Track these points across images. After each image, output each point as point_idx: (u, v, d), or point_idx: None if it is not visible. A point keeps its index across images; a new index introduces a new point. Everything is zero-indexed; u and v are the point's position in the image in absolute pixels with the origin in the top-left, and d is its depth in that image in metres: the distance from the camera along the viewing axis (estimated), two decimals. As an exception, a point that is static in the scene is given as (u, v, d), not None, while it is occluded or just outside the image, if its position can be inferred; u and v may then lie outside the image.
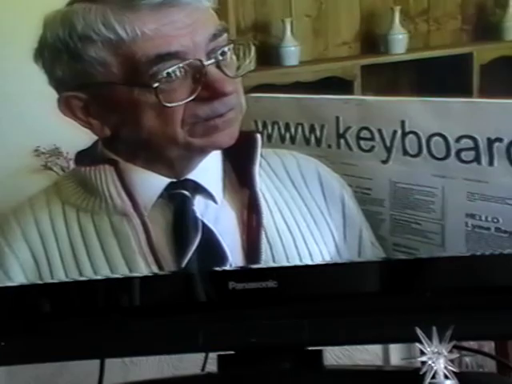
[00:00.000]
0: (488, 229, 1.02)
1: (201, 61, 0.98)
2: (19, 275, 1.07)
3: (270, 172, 1.08)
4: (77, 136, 1.06)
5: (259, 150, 1.07)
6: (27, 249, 1.06)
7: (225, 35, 1.01)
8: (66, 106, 1.02)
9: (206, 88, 0.98)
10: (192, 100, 0.98)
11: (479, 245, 1.02)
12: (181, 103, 0.98)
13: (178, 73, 0.97)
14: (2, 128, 1.12)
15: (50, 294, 1.08)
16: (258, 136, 1.08)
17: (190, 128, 1.00)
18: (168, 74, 0.97)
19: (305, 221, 1.07)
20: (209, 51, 0.99)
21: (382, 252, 1.08)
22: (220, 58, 0.99)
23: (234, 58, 1.02)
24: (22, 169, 1.12)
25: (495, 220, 1.01)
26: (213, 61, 0.99)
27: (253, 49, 1.04)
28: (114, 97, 1.00)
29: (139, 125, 1.00)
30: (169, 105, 0.98)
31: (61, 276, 1.06)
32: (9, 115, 1.12)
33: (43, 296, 1.09)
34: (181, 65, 0.97)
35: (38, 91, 1.08)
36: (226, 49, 1.00)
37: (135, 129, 1.01)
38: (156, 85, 0.97)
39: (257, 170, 1.06)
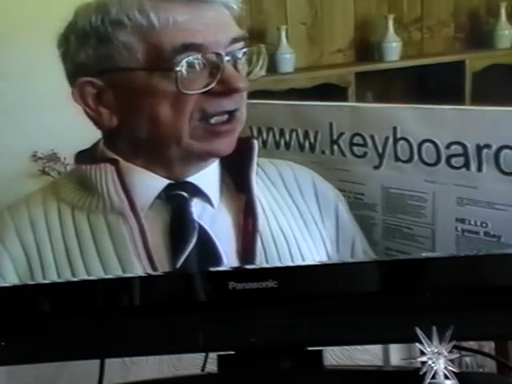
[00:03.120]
0: (477, 233, 1.02)
1: (221, 56, 1.01)
2: (10, 272, 1.08)
3: (267, 180, 1.09)
4: (75, 141, 1.07)
5: (256, 155, 1.08)
6: (19, 246, 1.07)
7: (242, 43, 1.04)
8: (79, 93, 1.04)
9: (220, 82, 1.01)
10: (204, 93, 1.01)
11: (469, 249, 1.03)
12: (196, 92, 1.01)
13: (198, 63, 1.00)
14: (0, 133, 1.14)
15: (51, 293, 1.09)
16: (255, 142, 1.09)
17: (194, 127, 1.02)
18: (189, 63, 1.00)
19: (299, 229, 1.08)
20: (227, 52, 1.02)
21: None
22: (237, 59, 1.03)
23: (246, 64, 1.05)
24: (20, 174, 1.12)
25: (484, 225, 1.02)
26: (230, 58, 1.02)
27: (264, 54, 1.06)
28: (132, 83, 1.02)
29: (149, 114, 1.02)
30: (185, 92, 1.00)
31: (52, 274, 1.07)
32: (7, 120, 1.13)
33: (43, 296, 1.10)
34: (201, 57, 1.00)
35: (36, 96, 1.09)
36: (240, 55, 1.03)
37: (144, 119, 1.03)
38: (178, 69, 0.99)
39: (253, 175, 1.08)
